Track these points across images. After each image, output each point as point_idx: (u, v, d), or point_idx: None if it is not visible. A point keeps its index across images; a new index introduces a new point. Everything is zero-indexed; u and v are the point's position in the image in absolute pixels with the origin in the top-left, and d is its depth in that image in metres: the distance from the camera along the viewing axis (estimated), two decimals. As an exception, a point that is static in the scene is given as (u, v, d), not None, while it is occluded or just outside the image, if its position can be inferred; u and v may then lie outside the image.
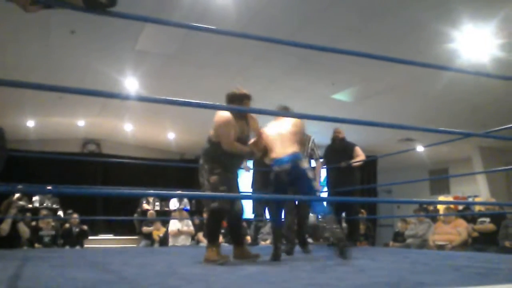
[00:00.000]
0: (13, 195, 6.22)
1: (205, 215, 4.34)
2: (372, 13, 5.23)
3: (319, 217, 3.81)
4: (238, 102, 3.74)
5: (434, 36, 5.51)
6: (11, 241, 5.94)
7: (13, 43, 5.92)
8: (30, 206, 9.58)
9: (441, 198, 12.09)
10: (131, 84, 7.30)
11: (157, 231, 8.63)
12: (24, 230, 6.20)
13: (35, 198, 10.04)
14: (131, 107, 8.73)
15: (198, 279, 2.43)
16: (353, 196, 5.77)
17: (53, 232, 7.31)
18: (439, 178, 12.97)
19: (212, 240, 3.55)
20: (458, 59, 5.89)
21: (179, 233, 8.10)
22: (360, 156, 5.73)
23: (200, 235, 8.13)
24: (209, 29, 2.71)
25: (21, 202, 7.84)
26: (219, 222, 3.63)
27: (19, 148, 9.78)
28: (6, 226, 5.86)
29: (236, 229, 3.82)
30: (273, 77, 6.91)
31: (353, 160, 5.67)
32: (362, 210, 9.34)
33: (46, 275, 2.68)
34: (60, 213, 9.72)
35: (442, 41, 5.59)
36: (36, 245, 6.93)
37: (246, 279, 2.36)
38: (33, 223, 7.28)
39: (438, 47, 5.71)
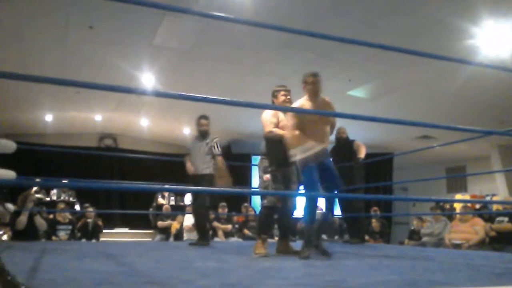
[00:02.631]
0: (31, 188, 6.31)
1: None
2: (388, 8, 5.16)
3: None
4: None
5: (453, 32, 5.43)
6: (29, 233, 6.03)
7: (31, 39, 6.01)
8: (48, 199, 9.72)
9: (458, 196, 11.95)
10: (147, 79, 7.35)
11: (176, 224, 8.70)
12: (41, 223, 6.29)
13: (53, 192, 10.19)
14: (147, 102, 8.79)
15: (213, 273, 2.45)
16: (357, 194, 5.82)
17: (70, 226, 7.41)
18: (457, 176, 12.80)
19: (260, 233, 3.76)
20: (478, 56, 5.80)
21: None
22: (361, 148, 5.74)
23: (216, 224, 8.29)
24: (230, 19, 2.73)
25: (38, 195, 7.94)
26: (269, 218, 3.86)
27: (37, 142, 9.94)
28: (23, 218, 5.95)
29: (284, 224, 4.02)
30: (288, 73, 6.88)
31: (360, 156, 5.67)
32: (375, 208, 9.30)
33: (64, 267, 2.72)
34: (77, 206, 9.86)
35: (462, 37, 5.51)
36: (54, 238, 7.03)
37: (260, 274, 2.37)
38: (51, 216, 7.39)
39: (457, 44, 5.63)
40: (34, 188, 6.44)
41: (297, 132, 3.55)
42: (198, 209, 5.34)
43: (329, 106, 3.79)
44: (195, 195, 5.58)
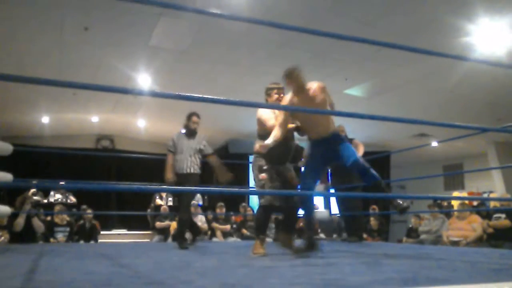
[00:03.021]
0: (28, 190, 6.30)
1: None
2: (385, 7, 5.18)
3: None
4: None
5: (449, 30, 5.45)
6: (26, 236, 6.02)
7: (28, 40, 5.99)
8: (46, 201, 9.69)
9: (456, 193, 11.98)
10: (144, 80, 7.34)
11: (175, 224, 8.68)
12: (38, 225, 6.27)
13: (51, 194, 10.15)
14: (144, 103, 8.78)
15: (212, 273, 2.45)
16: (355, 192, 5.80)
17: (68, 228, 7.39)
18: (454, 174, 12.84)
19: (258, 233, 3.76)
20: (474, 53, 5.82)
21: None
22: (359, 146, 5.74)
23: (214, 224, 8.30)
24: (228, 16, 2.72)
25: (36, 197, 7.91)
26: (266, 217, 3.85)
27: (34, 144, 9.91)
28: (21, 221, 5.94)
29: (288, 219, 3.94)
30: (285, 72, 6.89)
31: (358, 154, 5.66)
32: (374, 206, 9.31)
33: (62, 269, 2.72)
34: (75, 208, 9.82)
35: (458, 35, 5.53)
36: (51, 240, 7.01)
37: (259, 273, 2.37)
38: (48, 218, 7.37)
39: (453, 41, 5.65)
40: (32, 190, 6.43)
41: (281, 127, 3.60)
42: (181, 210, 5.10)
43: (320, 92, 3.63)
44: (179, 195, 5.36)
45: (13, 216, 5.83)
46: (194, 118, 5.21)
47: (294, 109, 3.66)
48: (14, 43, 6.01)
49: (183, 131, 5.23)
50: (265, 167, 3.73)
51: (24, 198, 6.09)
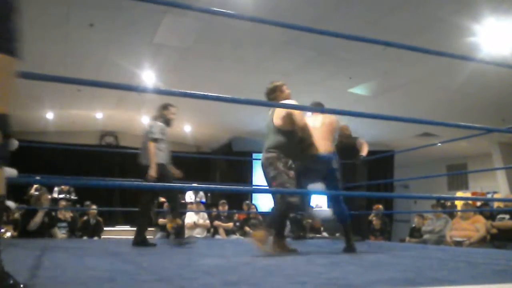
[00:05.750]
0: (31, 186, 6.36)
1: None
2: (390, 6, 5.16)
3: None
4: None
5: (454, 30, 5.43)
6: (37, 233, 6.07)
7: (32, 37, 6.00)
8: (49, 196, 9.73)
9: (459, 194, 11.95)
10: (148, 77, 7.35)
11: (171, 223, 8.65)
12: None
13: (55, 189, 10.20)
14: (148, 100, 8.79)
15: (215, 270, 2.45)
16: (359, 191, 5.77)
17: (68, 224, 7.43)
18: (458, 174, 12.81)
19: (280, 231, 3.63)
20: (480, 53, 5.79)
21: (195, 226, 8.15)
22: (363, 145, 5.72)
23: (217, 223, 8.30)
24: (231, 14, 2.72)
25: (49, 196, 7.98)
26: (288, 216, 3.79)
27: (38, 139, 9.94)
28: (37, 219, 6.00)
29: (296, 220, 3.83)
30: (289, 70, 6.88)
31: (362, 153, 5.65)
32: (379, 205, 9.29)
33: (66, 264, 2.73)
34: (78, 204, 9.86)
35: (463, 35, 5.50)
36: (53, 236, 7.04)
37: (262, 272, 2.37)
38: (52, 214, 7.39)
39: (458, 41, 5.62)
40: (35, 186, 6.48)
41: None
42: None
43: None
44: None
45: (28, 214, 5.94)
46: (173, 109, 4.96)
47: (304, 108, 3.65)
48: (19, 39, 6.03)
49: (159, 120, 4.91)
50: (293, 165, 3.51)
51: (37, 198, 6.17)
